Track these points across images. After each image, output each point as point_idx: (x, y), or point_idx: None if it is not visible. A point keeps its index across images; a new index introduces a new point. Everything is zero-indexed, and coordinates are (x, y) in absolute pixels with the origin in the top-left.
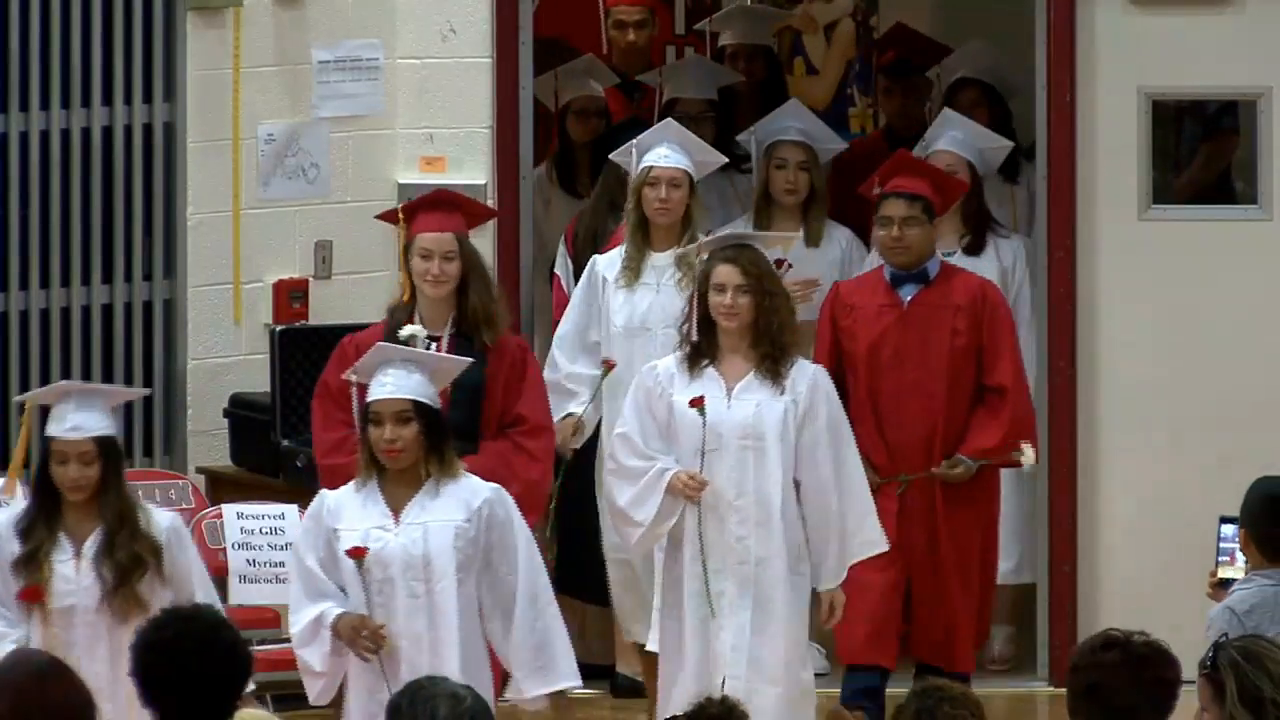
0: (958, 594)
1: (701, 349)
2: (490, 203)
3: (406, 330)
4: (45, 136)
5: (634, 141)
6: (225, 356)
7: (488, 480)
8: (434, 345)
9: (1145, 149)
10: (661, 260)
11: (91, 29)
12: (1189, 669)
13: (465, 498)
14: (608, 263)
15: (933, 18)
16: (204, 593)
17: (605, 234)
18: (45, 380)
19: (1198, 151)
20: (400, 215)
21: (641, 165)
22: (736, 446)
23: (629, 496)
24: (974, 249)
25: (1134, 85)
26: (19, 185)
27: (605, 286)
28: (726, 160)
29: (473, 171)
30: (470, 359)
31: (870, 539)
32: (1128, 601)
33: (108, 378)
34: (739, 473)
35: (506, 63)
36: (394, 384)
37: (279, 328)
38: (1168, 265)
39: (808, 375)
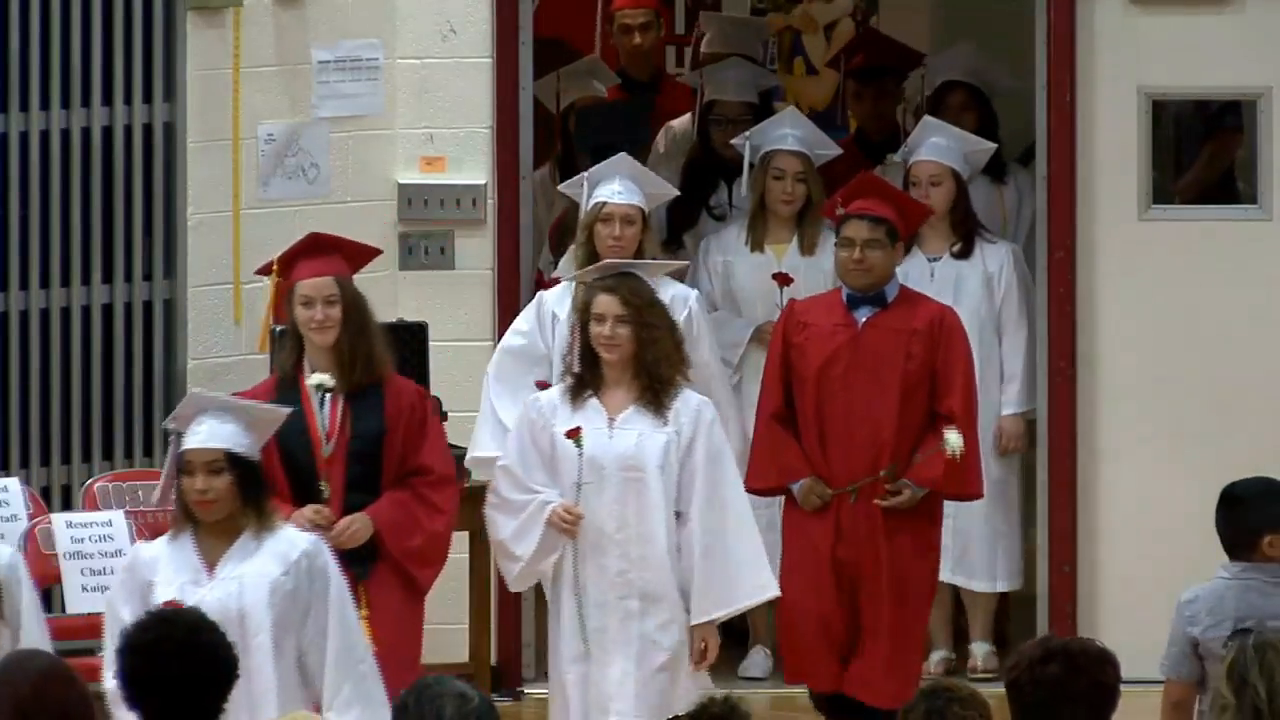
0: (892, 621)
1: (584, 380)
2: (490, 203)
3: (314, 379)
4: (45, 136)
5: (585, 174)
6: (225, 356)
7: (391, 532)
8: (328, 396)
9: (1145, 149)
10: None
11: (91, 29)
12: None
13: (283, 550)
14: (556, 299)
15: (932, 18)
16: (39, 633)
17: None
18: (45, 380)
19: (1200, 151)
20: (275, 266)
21: (594, 200)
22: (618, 479)
23: (510, 530)
24: (964, 254)
25: (1134, 85)
26: (19, 185)
27: (555, 323)
28: (678, 193)
29: (473, 171)
30: (290, 408)
31: (759, 583)
32: (1127, 602)
33: (108, 377)
34: (620, 505)
35: (506, 63)
36: (206, 433)
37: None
38: (1168, 265)
39: (691, 407)
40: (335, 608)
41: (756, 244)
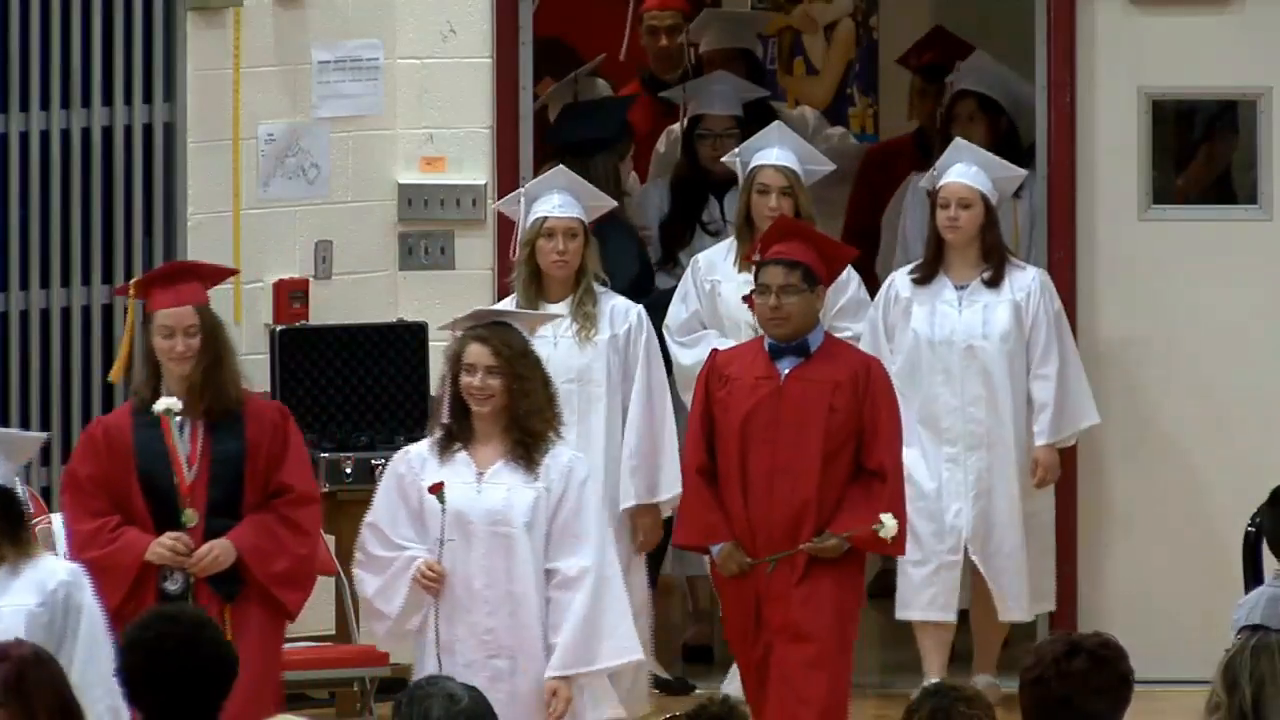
0: (808, 681)
1: (453, 432)
2: (490, 203)
3: (161, 404)
4: (45, 136)
5: (521, 190)
6: None
7: (254, 556)
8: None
9: (1145, 149)
10: (557, 311)
11: (91, 29)
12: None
13: (41, 579)
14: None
15: (933, 18)
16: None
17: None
18: (45, 380)
19: (1198, 151)
20: (131, 290)
21: (534, 216)
22: (486, 535)
23: (375, 588)
24: (994, 282)
25: (1134, 85)
26: (19, 185)
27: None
28: (616, 204)
29: (473, 171)
30: (44, 434)
31: (623, 645)
32: (1128, 602)
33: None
34: (489, 562)
35: (506, 63)
36: None
37: (279, 328)
38: (1168, 265)
39: (562, 463)
40: (84, 643)
41: (744, 263)
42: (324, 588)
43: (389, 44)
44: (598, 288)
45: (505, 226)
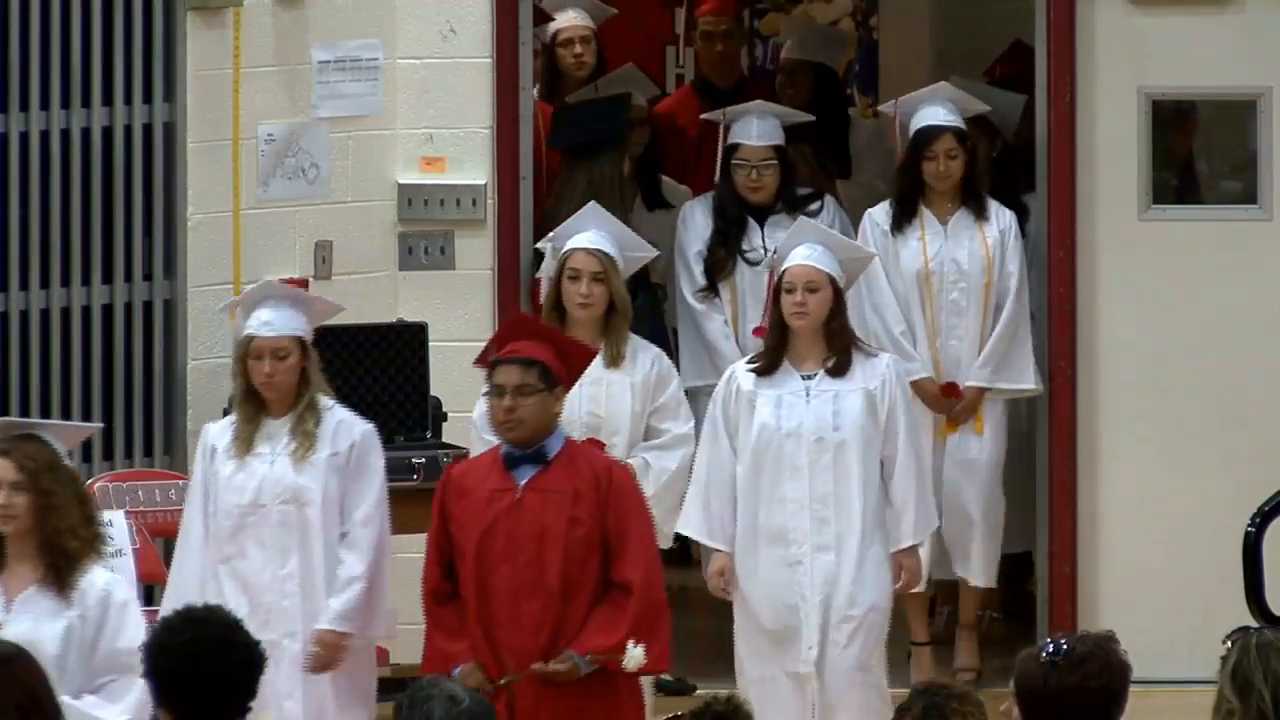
0: None
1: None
2: (490, 203)
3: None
4: (45, 136)
5: (551, 237)
6: (225, 356)
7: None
8: None
9: (1145, 149)
10: (276, 428)
11: (91, 29)
12: (1191, 668)
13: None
14: (218, 431)
15: (933, 17)
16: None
17: None
18: (45, 380)
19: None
20: None
21: (245, 329)
22: None
23: None
24: (841, 370)
25: (1134, 85)
26: (19, 185)
27: (215, 457)
28: (342, 307)
29: (473, 171)
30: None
31: None
32: (1128, 602)
33: (108, 378)
34: None
35: (506, 63)
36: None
37: None
38: (1168, 265)
39: (98, 588)
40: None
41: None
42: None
43: (389, 44)
44: (325, 401)
45: (505, 226)
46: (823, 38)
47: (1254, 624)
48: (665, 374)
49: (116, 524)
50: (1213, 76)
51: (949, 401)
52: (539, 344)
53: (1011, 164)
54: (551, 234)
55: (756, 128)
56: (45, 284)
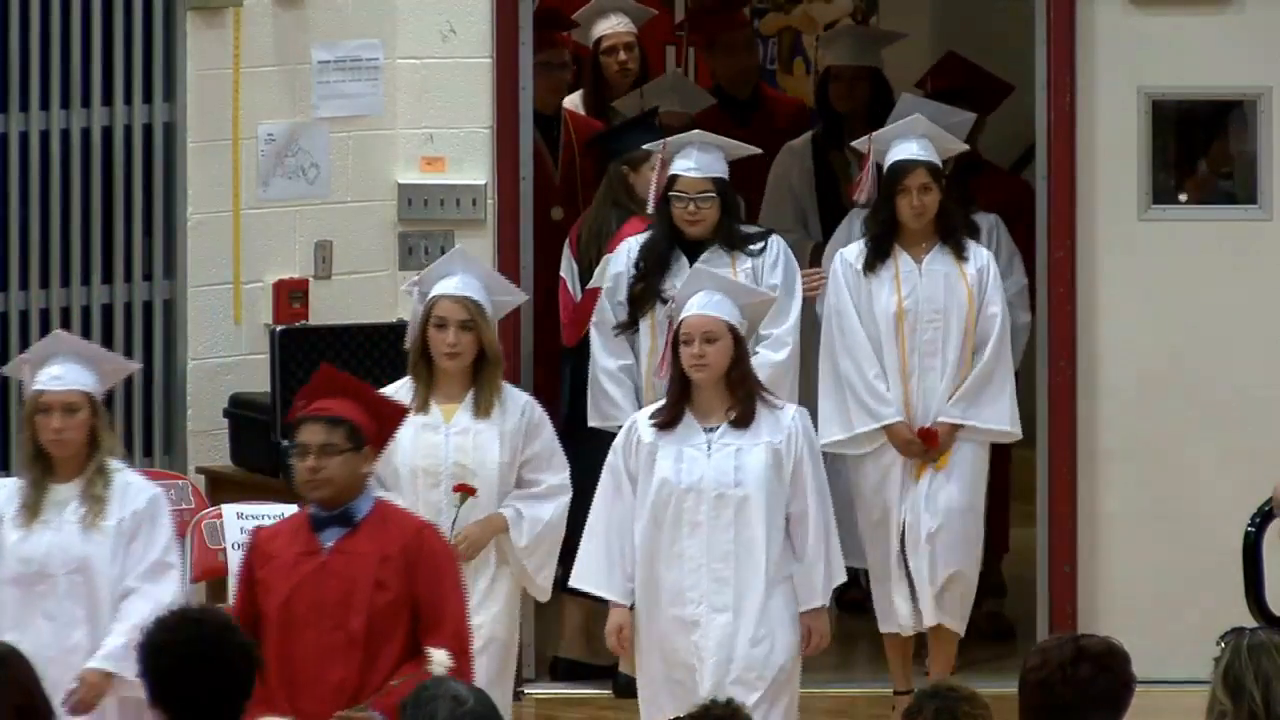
0: None
1: None
2: (490, 203)
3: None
4: (45, 136)
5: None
6: (225, 356)
7: None
8: None
9: (1145, 149)
10: (64, 493)
11: (91, 29)
12: (1191, 668)
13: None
14: (5, 497)
15: (933, 18)
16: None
17: (608, 234)
18: None
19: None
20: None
21: (34, 384)
22: None
23: None
24: (743, 422)
25: (1134, 85)
26: (19, 185)
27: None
28: (135, 366)
29: (473, 171)
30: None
31: None
32: (1128, 601)
33: None
34: None
35: (506, 63)
36: None
37: (279, 328)
38: (1168, 265)
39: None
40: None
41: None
42: None
43: (389, 44)
44: (114, 464)
45: (505, 226)
46: (871, 39)
47: (1250, 624)
48: (536, 423)
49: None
50: (1213, 76)
51: (922, 447)
52: (347, 401)
53: (962, 182)
54: (418, 277)
55: (696, 159)
56: (45, 284)
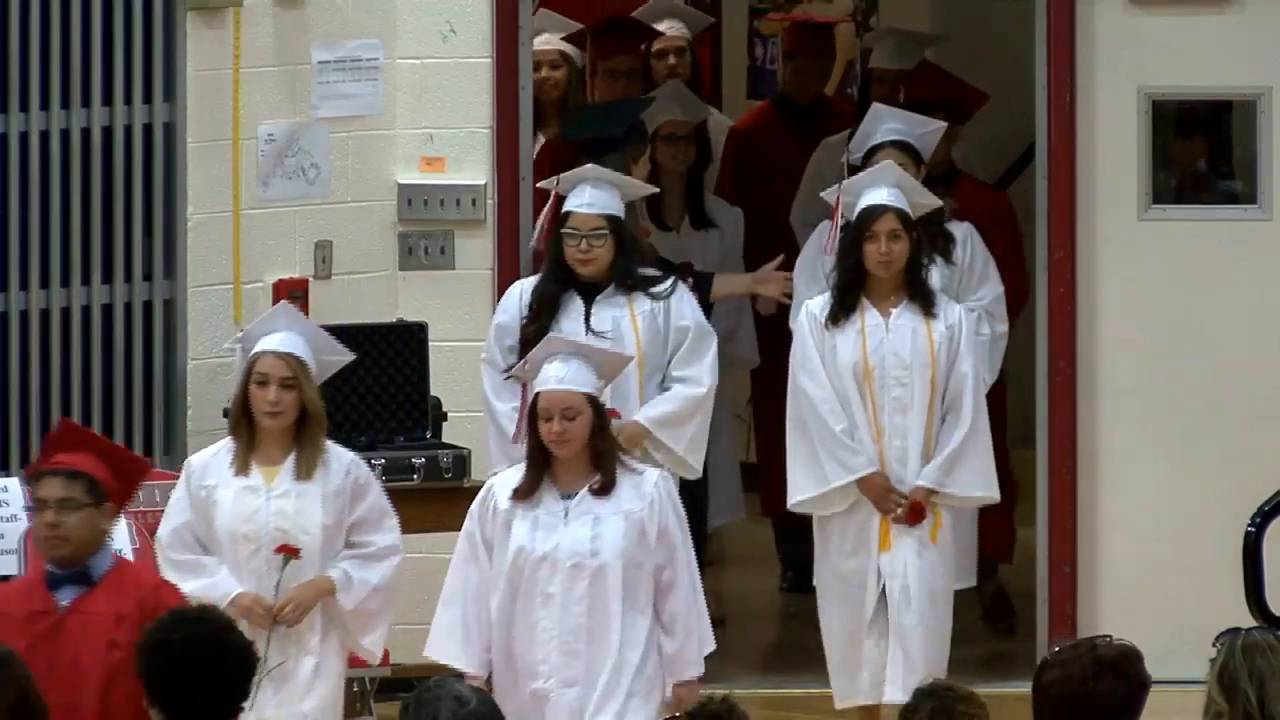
0: None
1: None
2: (490, 203)
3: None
4: (45, 136)
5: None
6: (225, 356)
7: None
8: None
9: (1145, 149)
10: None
11: (91, 29)
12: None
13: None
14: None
15: (933, 17)
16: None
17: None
18: (45, 380)
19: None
20: None
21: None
22: None
23: None
24: (605, 490)
25: (1134, 85)
26: (19, 185)
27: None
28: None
29: (473, 171)
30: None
31: None
32: (1128, 602)
33: (108, 378)
34: None
35: (506, 63)
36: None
37: None
38: (1168, 265)
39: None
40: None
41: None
42: None
43: (389, 44)
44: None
45: (505, 226)
46: (915, 42)
47: (1246, 625)
48: (363, 484)
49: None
50: (1213, 76)
51: (898, 499)
52: (87, 455)
53: (935, 192)
54: (241, 333)
55: (589, 195)
56: (45, 284)
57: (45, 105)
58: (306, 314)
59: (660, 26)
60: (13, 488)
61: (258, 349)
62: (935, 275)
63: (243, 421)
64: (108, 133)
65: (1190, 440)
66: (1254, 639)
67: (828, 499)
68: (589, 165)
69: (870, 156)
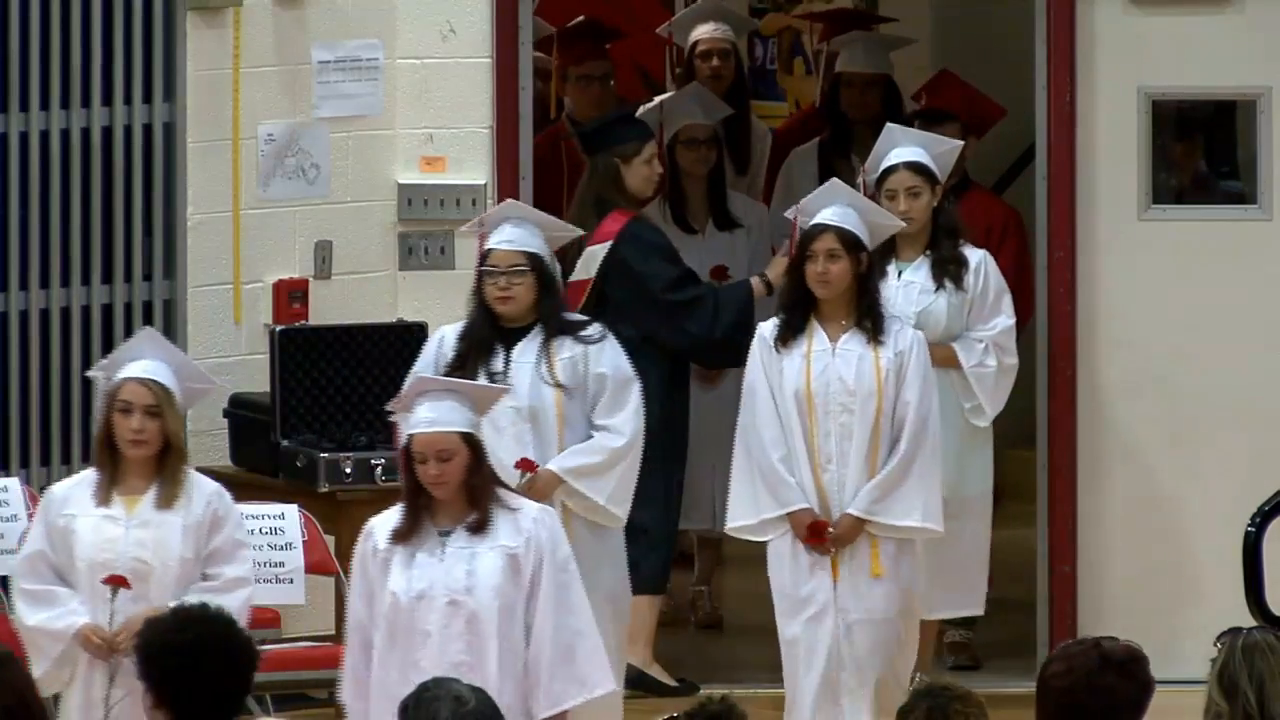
0: None
1: None
2: (490, 203)
3: None
4: (45, 136)
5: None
6: (225, 356)
7: None
8: None
9: (1145, 149)
10: None
11: (91, 29)
12: (1191, 668)
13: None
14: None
15: (933, 17)
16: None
17: (591, 228)
18: (45, 380)
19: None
20: None
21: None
22: None
23: None
24: (480, 527)
25: (1134, 85)
26: (19, 185)
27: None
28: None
29: (473, 171)
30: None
31: None
32: (1128, 602)
33: None
34: None
35: (506, 63)
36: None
37: (279, 328)
38: (1168, 265)
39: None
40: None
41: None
42: (324, 587)
43: (389, 44)
44: None
45: None
46: (883, 46)
47: (1246, 625)
48: (222, 515)
49: None
50: (1213, 76)
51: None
52: None
53: (951, 213)
54: (105, 360)
55: (510, 232)
56: (45, 284)
57: (45, 105)
58: (306, 316)
59: (703, 28)
60: (12, 487)
61: (121, 375)
62: (943, 301)
63: (105, 451)
64: (108, 133)
65: (1190, 440)
66: (1254, 639)
67: (763, 528)
68: (509, 202)
69: (886, 177)
